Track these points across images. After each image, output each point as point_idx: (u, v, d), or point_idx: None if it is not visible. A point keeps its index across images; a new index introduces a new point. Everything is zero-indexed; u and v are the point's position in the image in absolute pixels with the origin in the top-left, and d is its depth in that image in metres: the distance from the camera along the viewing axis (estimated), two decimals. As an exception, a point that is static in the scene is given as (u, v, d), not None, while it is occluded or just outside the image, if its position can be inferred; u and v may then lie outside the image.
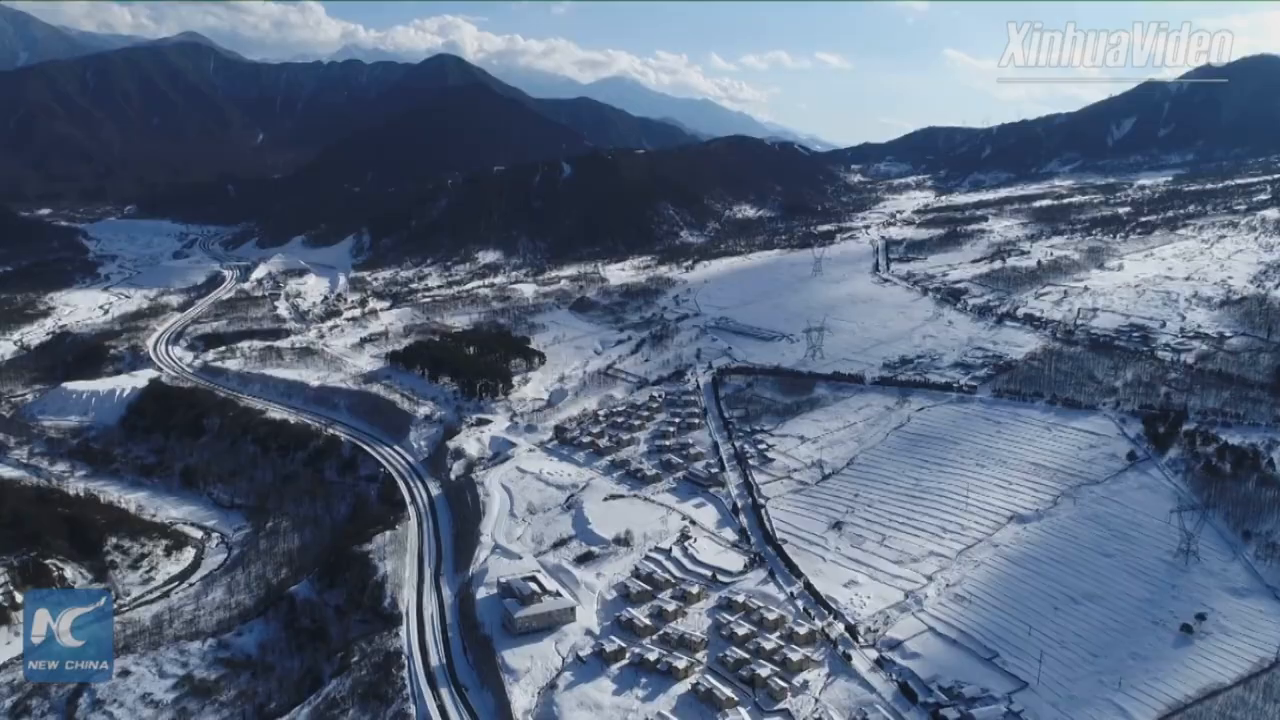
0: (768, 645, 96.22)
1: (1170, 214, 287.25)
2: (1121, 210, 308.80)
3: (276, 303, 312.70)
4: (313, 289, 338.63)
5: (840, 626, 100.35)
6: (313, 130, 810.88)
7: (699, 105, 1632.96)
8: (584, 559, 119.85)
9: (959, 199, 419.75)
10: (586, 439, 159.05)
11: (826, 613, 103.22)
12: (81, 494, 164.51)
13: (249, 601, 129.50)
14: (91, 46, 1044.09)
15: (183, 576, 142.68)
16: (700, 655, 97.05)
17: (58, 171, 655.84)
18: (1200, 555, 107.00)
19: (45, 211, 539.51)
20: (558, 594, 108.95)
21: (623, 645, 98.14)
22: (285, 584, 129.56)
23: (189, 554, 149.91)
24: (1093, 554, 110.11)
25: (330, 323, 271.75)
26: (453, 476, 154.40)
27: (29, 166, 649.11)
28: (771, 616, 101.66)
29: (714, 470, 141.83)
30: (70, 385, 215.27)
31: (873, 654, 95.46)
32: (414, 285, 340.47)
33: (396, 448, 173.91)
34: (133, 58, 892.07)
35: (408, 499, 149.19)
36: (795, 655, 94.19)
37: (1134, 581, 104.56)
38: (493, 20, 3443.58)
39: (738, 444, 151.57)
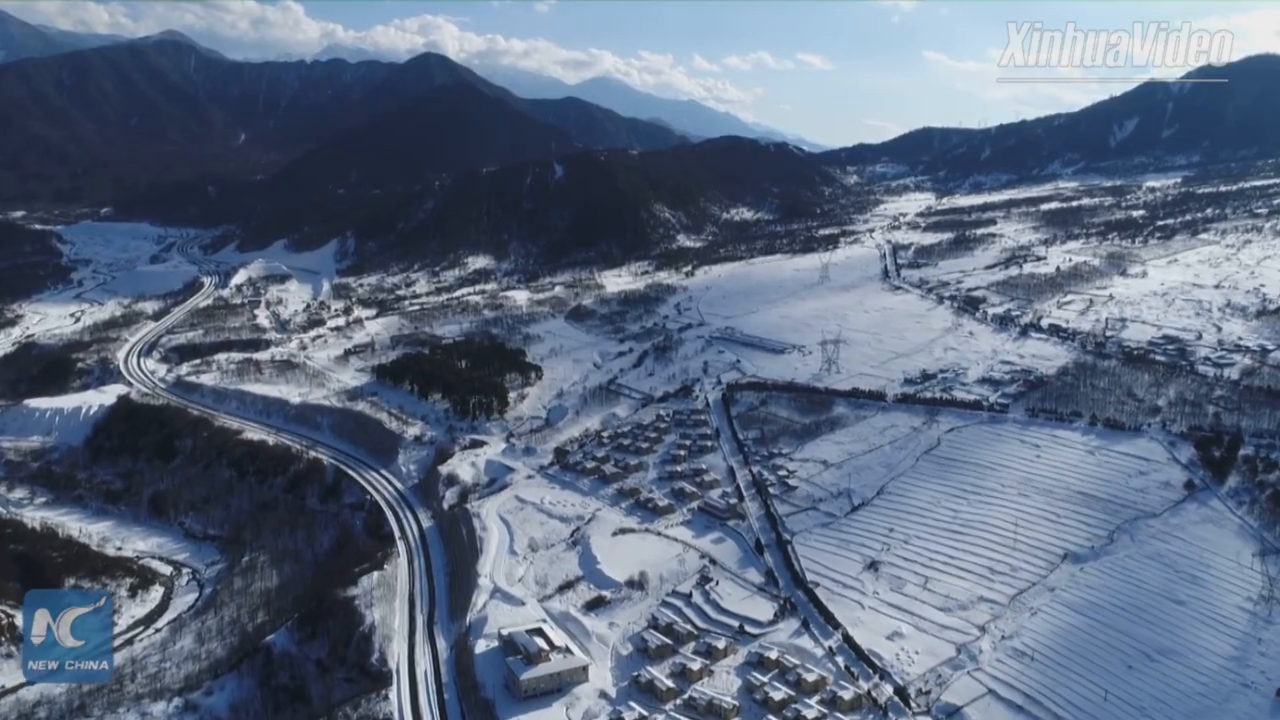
0: (809, 714, 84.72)
1: (1188, 217, 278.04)
2: (1135, 214, 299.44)
3: (256, 311, 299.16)
4: (295, 296, 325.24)
5: (888, 689, 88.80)
6: (296, 130, 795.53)
7: (685, 106, 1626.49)
8: (594, 605, 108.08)
9: (962, 201, 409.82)
10: (591, 464, 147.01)
11: (871, 671, 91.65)
12: (39, 527, 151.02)
13: (221, 651, 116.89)
14: (68, 44, 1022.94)
15: (149, 620, 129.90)
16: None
17: (32, 171, 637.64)
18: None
19: (19, 214, 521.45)
20: (567, 649, 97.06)
21: (643, 713, 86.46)
22: (262, 631, 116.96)
23: (156, 594, 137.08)
24: (1163, 600, 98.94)
25: (313, 333, 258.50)
26: (445, 506, 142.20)
27: (3, 167, 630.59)
28: (811, 678, 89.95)
29: (732, 500, 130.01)
30: (32, 402, 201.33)
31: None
32: (401, 292, 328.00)
33: (384, 472, 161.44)
34: (111, 56, 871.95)
35: (397, 532, 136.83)
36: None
37: (1214, 634, 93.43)
38: (474, 20, 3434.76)
39: (755, 469, 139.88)
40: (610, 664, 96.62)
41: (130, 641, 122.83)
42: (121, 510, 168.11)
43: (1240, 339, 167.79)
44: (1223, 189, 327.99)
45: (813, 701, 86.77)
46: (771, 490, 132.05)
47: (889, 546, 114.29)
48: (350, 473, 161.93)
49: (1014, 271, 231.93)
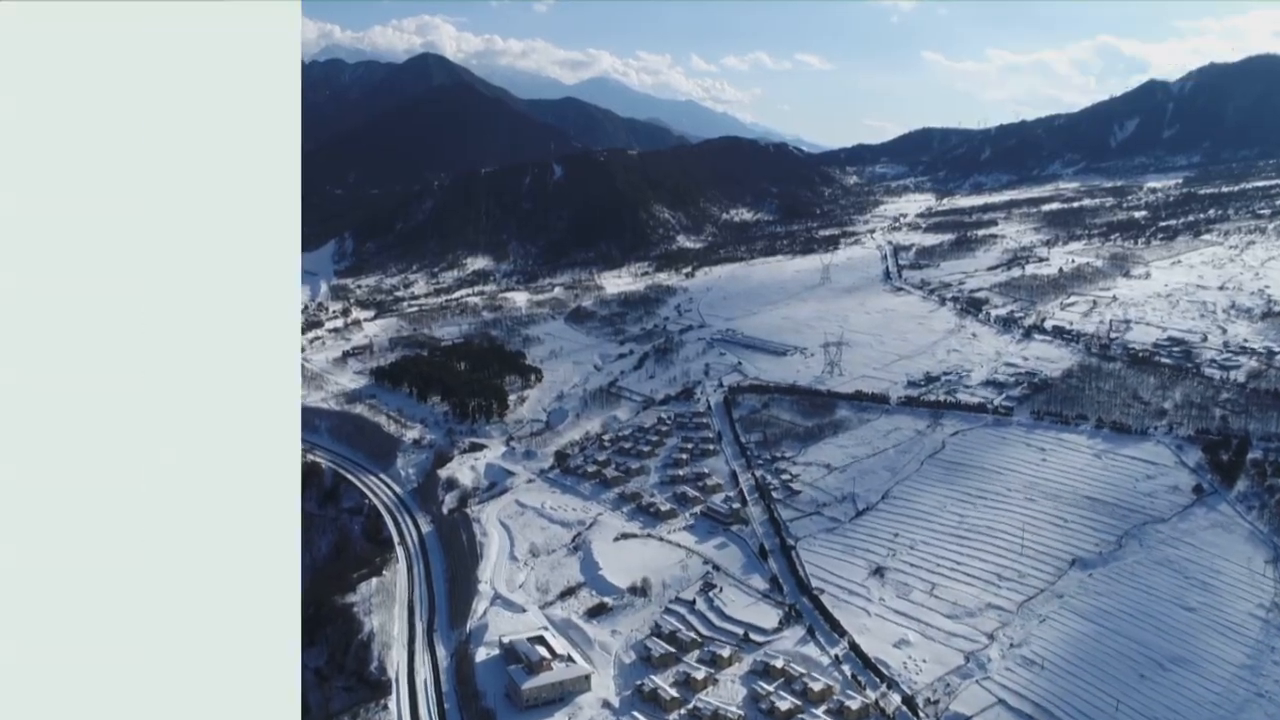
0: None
1: (1190, 218, 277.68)
2: (1137, 214, 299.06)
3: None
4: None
5: (896, 698, 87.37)
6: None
7: (684, 106, 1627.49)
8: (596, 612, 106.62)
9: (962, 202, 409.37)
10: (591, 467, 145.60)
11: (879, 680, 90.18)
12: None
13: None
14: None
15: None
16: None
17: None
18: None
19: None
20: (569, 658, 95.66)
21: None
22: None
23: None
24: (1173, 607, 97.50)
25: (311, 334, 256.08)
26: (445, 510, 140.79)
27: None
28: (817, 687, 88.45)
29: (735, 505, 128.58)
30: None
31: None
32: (399, 293, 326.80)
33: (382, 476, 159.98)
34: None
35: (395, 537, 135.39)
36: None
37: (1226, 642, 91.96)
38: (472, 20, 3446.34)
39: (758, 473, 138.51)
40: (613, 672, 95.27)
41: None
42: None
43: (1246, 341, 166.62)
44: (1224, 190, 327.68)
45: (819, 711, 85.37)
46: (775, 494, 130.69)
47: (894, 552, 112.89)
48: (348, 476, 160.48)
49: (1016, 273, 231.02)
